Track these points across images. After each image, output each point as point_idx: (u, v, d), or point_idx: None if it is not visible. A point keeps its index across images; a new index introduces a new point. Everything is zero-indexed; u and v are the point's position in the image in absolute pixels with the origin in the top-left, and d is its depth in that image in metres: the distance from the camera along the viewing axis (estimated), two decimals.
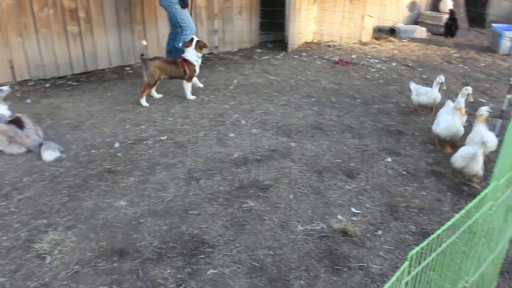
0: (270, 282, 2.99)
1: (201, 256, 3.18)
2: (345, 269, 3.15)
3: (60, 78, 6.99)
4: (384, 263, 3.22)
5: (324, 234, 3.49)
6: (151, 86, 6.04)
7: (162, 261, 3.14)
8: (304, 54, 8.72)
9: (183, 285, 2.93)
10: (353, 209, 3.86)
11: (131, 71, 7.39)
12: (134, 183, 4.13)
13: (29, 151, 4.60)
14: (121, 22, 7.47)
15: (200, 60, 6.20)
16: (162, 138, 5.02)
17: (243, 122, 5.53)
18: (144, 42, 6.05)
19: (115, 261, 3.14)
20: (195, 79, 6.35)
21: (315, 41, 9.81)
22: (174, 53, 6.70)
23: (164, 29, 7.85)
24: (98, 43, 7.36)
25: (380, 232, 3.57)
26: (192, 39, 6.15)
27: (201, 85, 6.49)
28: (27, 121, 4.72)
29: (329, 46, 9.41)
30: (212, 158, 4.61)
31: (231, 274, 3.04)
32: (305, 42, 9.54)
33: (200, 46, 6.17)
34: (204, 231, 3.46)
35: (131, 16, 7.53)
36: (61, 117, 5.53)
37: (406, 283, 1.51)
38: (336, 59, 8.55)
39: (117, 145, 4.83)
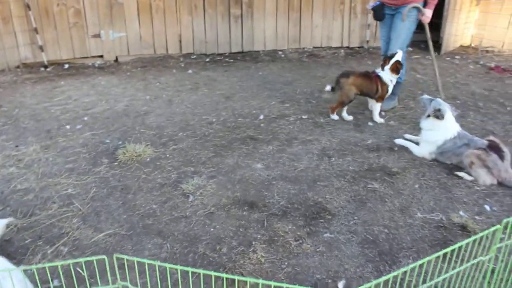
0: (380, 254, 3.17)
1: (320, 221, 3.48)
2: (456, 260, 3.19)
3: (219, 54, 7.76)
4: (499, 263, 3.20)
5: (442, 225, 3.54)
6: (344, 105, 5.39)
7: (286, 218, 3.51)
8: (457, 57, 8.48)
9: (300, 240, 3.25)
10: (486, 207, 3.83)
11: (283, 55, 7.89)
12: (271, 151, 4.57)
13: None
14: (279, 9, 7.99)
15: (394, 82, 5.35)
16: (303, 117, 5.40)
17: (383, 113, 5.67)
18: (328, 88, 5.38)
19: (245, 210, 3.58)
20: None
21: (473, 45, 9.43)
22: None
23: (318, 19, 8.21)
24: (256, 27, 7.99)
25: (503, 236, 3.52)
26: (389, 57, 5.28)
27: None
28: (506, 151, 4.17)
29: (487, 51, 8.99)
30: (347, 141, 4.86)
31: (345, 241, 3.28)
32: (461, 46, 9.22)
33: (393, 68, 5.23)
34: (328, 200, 3.75)
35: (289, 4, 8.01)
36: (216, 88, 6.20)
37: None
38: (492, 65, 8.17)
39: (261, 117, 5.34)
